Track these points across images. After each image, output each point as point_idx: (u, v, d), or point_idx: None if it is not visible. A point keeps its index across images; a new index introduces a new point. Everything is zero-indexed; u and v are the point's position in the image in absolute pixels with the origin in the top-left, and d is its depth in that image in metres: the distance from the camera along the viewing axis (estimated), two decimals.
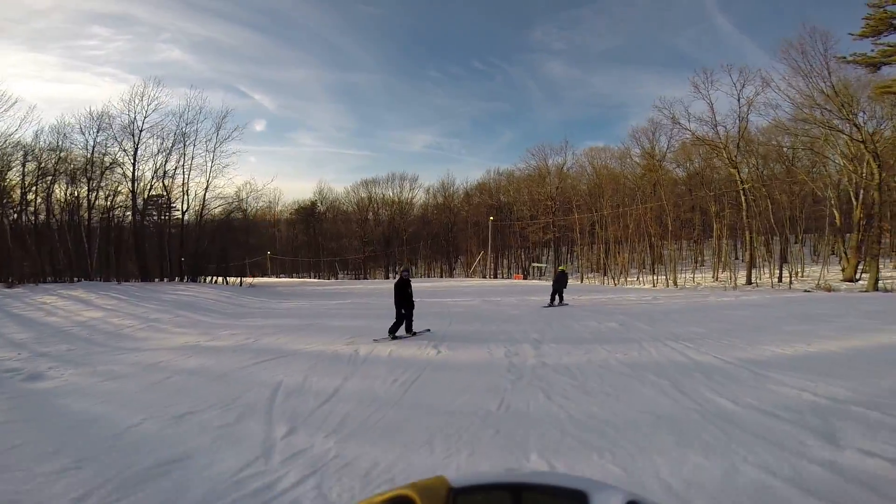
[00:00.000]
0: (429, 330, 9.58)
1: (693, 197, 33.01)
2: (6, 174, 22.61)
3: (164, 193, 27.93)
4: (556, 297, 14.43)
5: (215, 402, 4.96)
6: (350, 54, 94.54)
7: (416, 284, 31.57)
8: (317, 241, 57.21)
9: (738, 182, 26.67)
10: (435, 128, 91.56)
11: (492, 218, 42.03)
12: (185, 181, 27.99)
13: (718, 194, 30.79)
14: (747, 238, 26.55)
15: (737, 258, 31.92)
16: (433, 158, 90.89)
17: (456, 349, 7.65)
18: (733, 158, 26.75)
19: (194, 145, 28.22)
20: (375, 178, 57.14)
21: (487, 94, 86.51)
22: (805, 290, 18.82)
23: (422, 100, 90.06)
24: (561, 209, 42.17)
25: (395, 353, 7.63)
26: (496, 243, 45.75)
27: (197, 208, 29.02)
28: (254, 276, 54.32)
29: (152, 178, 27.07)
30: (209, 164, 28.59)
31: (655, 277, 29.21)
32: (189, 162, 27.99)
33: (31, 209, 23.65)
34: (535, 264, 42.64)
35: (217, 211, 30.47)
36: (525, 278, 40.80)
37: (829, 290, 19.28)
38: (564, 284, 14.71)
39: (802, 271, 25.75)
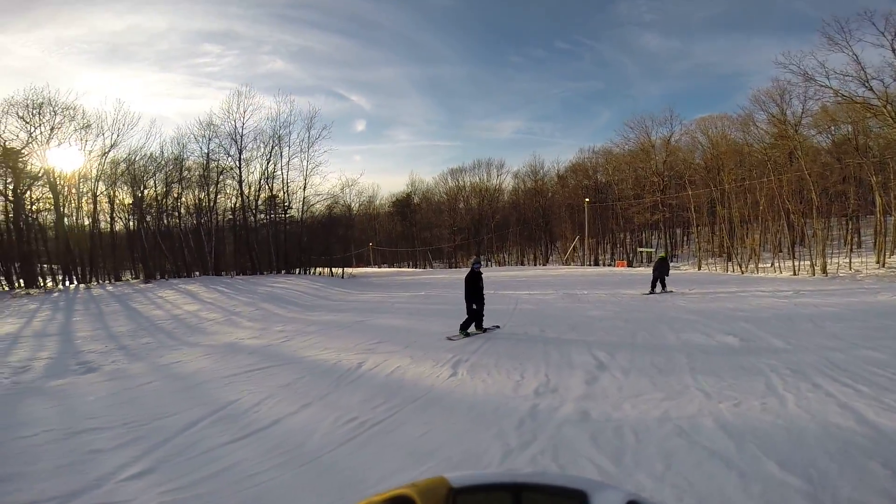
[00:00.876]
0: (498, 327, 8.72)
1: (844, 165, 25.69)
2: (146, 183, 25.85)
3: (269, 192, 29.62)
4: (658, 284, 13.47)
5: (133, 420, 4.48)
6: (431, 48, 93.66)
7: (499, 273, 29.60)
8: (412, 231, 57.62)
9: None
10: (523, 112, 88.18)
11: (587, 199, 37.80)
12: (285, 180, 29.57)
13: (883, 160, 23.45)
14: None
15: (883, 238, 24.07)
16: (524, 144, 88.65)
17: (478, 372, 5.58)
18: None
19: (289, 146, 29.63)
20: (462, 167, 55.60)
21: (576, 73, 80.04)
22: None
23: (506, 86, 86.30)
24: (671, 186, 36.32)
25: (401, 372, 5.84)
26: (594, 227, 41.27)
27: (298, 205, 30.61)
28: (358, 267, 57.20)
29: (260, 179, 28.99)
30: (304, 163, 29.74)
31: (797, 263, 23.16)
32: (286, 162, 29.46)
33: (164, 214, 26.75)
34: (642, 249, 37.49)
35: (318, 207, 31.97)
36: (630, 265, 36.19)
37: None
38: (666, 272, 13.69)
39: None
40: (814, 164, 25.07)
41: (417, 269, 48.40)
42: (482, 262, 10.98)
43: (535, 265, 45.15)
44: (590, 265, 39.13)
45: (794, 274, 22.45)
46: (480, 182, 52.88)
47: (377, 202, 63.58)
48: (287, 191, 29.72)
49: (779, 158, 27.77)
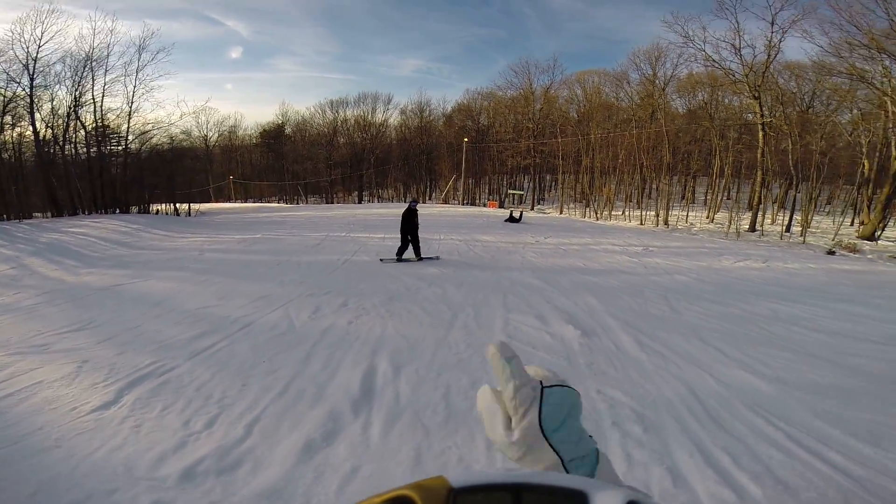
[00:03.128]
0: (438, 257, 9.38)
1: (696, 128, 27.02)
2: None
3: (76, 122, 22.64)
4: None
5: None
6: None
7: (371, 211, 26.76)
8: (282, 165, 50.73)
9: (759, 115, 20.77)
10: (425, 52, 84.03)
11: (466, 139, 35.77)
12: (96, 110, 23.05)
13: (729, 125, 24.92)
14: (758, 178, 21.19)
15: (728, 198, 26.61)
16: (422, 83, 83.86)
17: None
18: (755, 88, 20.66)
19: (106, 71, 23.01)
20: (344, 98, 49.58)
21: (484, 19, 78.42)
22: (829, 251, 13.85)
23: (413, 24, 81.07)
24: (545, 133, 35.87)
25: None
26: (472, 168, 39.89)
27: (125, 137, 24.30)
28: (218, 202, 49.16)
29: (69, 109, 22.33)
30: (131, 90, 23.69)
31: (644, 213, 24.15)
32: (103, 89, 23.00)
33: None
34: (512, 191, 37.07)
35: (158, 139, 26.37)
36: (501, 206, 35.73)
37: (853, 250, 14.45)
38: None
39: (809, 223, 20.62)
40: (671, 125, 25.71)
41: (285, 205, 42.88)
42: (418, 201, 10.62)
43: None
44: (466, 204, 38.05)
45: (641, 224, 23.36)
46: (364, 116, 47.69)
47: (241, 132, 55.03)
48: (103, 121, 23.32)
49: (642, 117, 28.23)
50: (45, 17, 21.07)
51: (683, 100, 30.20)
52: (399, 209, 28.43)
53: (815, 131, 21.32)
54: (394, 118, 48.21)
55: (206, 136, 53.67)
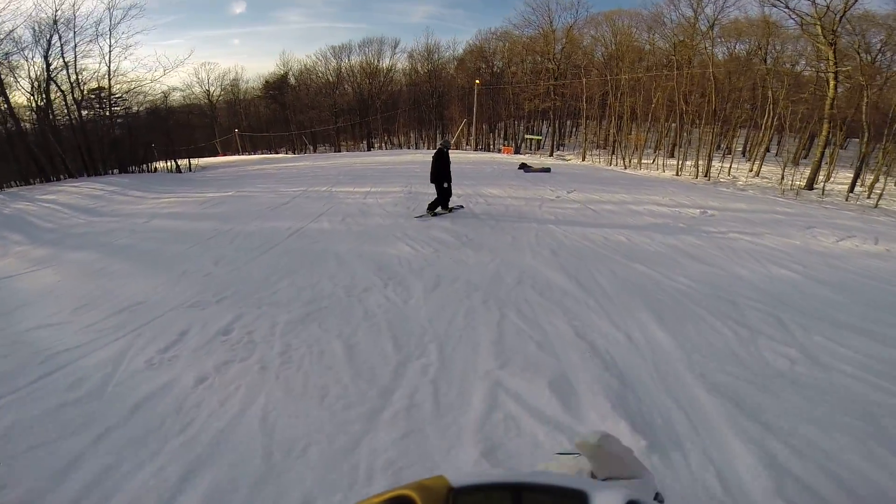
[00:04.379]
0: (462, 207, 8.09)
1: (748, 73, 22.39)
2: None
3: (46, 85, 20.05)
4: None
5: None
6: None
7: (369, 159, 23.90)
8: (286, 115, 47.19)
9: (833, 63, 16.37)
10: None
11: (478, 81, 31.51)
12: (71, 73, 20.68)
13: (796, 73, 20.39)
14: (824, 132, 17.23)
15: (768, 150, 22.34)
16: (436, 30, 75.11)
17: None
18: (832, 33, 16.16)
19: (73, 31, 20.32)
20: (348, 44, 44.80)
21: None
22: None
23: None
24: (567, 74, 31.17)
25: None
26: (486, 113, 35.80)
27: (110, 98, 22.09)
28: (224, 156, 46.49)
29: (41, 73, 19.95)
30: (106, 49, 21.48)
31: (681, 162, 20.54)
32: (73, 51, 20.45)
33: None
34: (529, 136, 33.26)
35: (149, 96, 24.98)
36: (517, 152, 32.16)
37: None
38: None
39: (885, 182, 16.79)
40: (720, 67, 21.32)
41: (290, 156, 39.98)
42: (450, 144, 7.92)
43: (422, 149, 39.37)
44: (479, 150, 34.53)
45: (677, 174, 19.91)
46: (369, 62, 43.14)
47: (243, 86, 51.75)
48: (79, 83, 20.99)
49: (679, 62, 23.58)
50: None
51: (725, 47, 25.09)
52: (406, 156, 26.05)
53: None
54: (401, 63, 43.92)
55: (209, 90, 50.59)
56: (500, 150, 32.91)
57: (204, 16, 77.79)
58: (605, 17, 29.84)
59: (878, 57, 19.79)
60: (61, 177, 19.31)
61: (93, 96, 21.94)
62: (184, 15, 75.50)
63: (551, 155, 30.28)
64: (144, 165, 22.80)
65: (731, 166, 20.68)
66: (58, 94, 20.34)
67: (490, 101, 35.63)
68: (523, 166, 16.23)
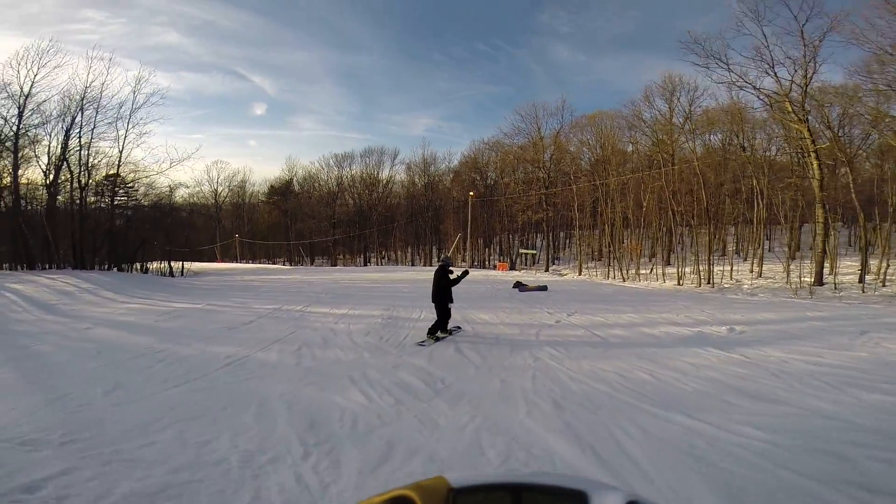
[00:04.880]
0: (459, 328, 7.33)
1: (730, 162, 23.00)
2: None
3: (56, 166, 19.98)
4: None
5: None
6: (353, 36, 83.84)
7: (354, 275, 23.13)
8: (286, 223, 48.31)
9: (809, 141, 16.63)
10: (437, 110, 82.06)
11: (472, 193, 32.52)
12: (81, 157, 20.35)
13: (775, 157, 21.00)
14: (819, 218, 16.78)
15: (759, 246, 21.81)
16: (433, 142, 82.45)
17: None
18: (802, 109, 16.74)
19: (96, 112, 20.42)
20: (350, 153, 47.83)
21: (491, 77, 76.18)
22: None
23: (424, 83, 79.67)
24: (558, 184, 32.37)
25: None
26: (480, 227, 36.31)
27: (120, 186, 22.03)
28: (223, 262, 46.65)
29: (53, 154, 19.89)
30: (122, 135, 20.89)
31: (680, 269, 19.74)
32: (92, 133, 20.41)
33: None
34: (524, 250, 33.12)
35: (156, 191, 24.10)
36: (512, 268, 31.70)
37: None
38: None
39: (887, 267, 15.94)
40: (705, 159, 21.82)
41: (286, 267, 39.76)
42: (451, 261, 7.27)
43: (423, 265, 39.18)
44: (475, 266, 34.12)
45: (679, 284, 18.94)
46: (369, 172, 45.54)
47: (249, 188, 53.67)
48: (88, 168, 20.59)
49: (662, 160, 24.53)
50: (43, 54, 19.05)
51: (702, 140, 26.34)
52: (398, 273, 25.34)
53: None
54: (400, 175, 45.78)
55: (217, 190, 52.41)
56: (495, 267, 32.57)
57: (228, 114, 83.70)
58: (588, 120, 31.61)
59: (842, 131, 20.18)
60: (47, 265, 18.37)
61: (106, 182, 21.54)
62: (212, 110, 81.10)
63: (547, 270, 29.80)
64: (139, 264, 22.05)
65: (731, 269, 19.82)
66: (66, 177, 19.90)
67: (485, 213, 36.40)
68: (518, 285, 15.19)
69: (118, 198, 22.57)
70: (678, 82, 24.05)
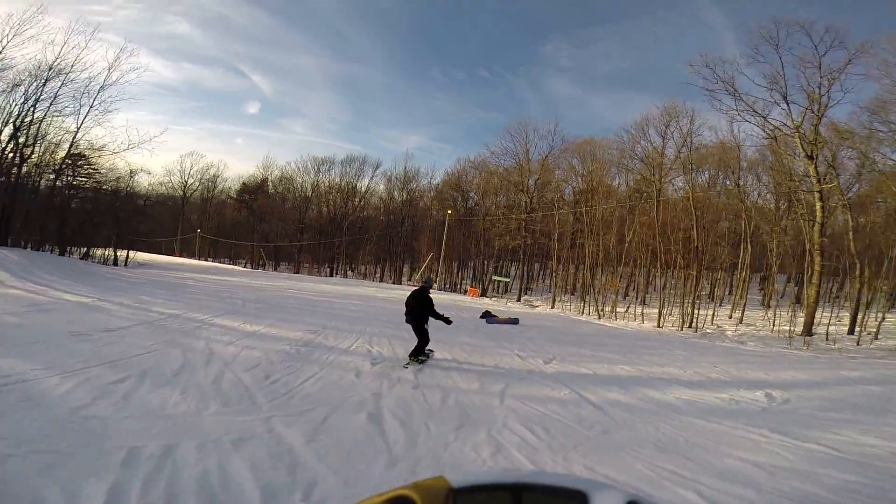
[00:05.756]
0: (432, 351, 6.37)
1: (725, 205, 21.78)
2: None
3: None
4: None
5: None
6: (358, 46, 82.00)
7: (309, 283, 20.10)
8: (251, 222, 44.99)
9: (814, 180, 15.42)
10: (429, 130, 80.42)
11: (449, 212, 30.54)
12: (32, 131, 18.09)
13: (781, 194, 19.75)
14: (816, 266, 15.45)
15: (744, 291, 20.58)
16: (420, 160, 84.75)
17: None
18: (812, 144, 15.34)
19: (62, 83, 18.37)
20: (330, 157, 45.16)
21: (487, 103, 75.15)
22: None
23: (420, 101, 78.72)
24: (540, 208, 30.72)
25: None
26: (456, 249, 34.18)
27: (52, 163, 19.18)
28: (178, 256, 43.16)
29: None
30: (84, 111, 18.92)
31: (666, 310, 18.09)
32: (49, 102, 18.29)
33: None
34: (497, 277, 31.10)
35: (112, 173, 21.85)
36: (483, 295, 29.61)
37: None
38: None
39: (881, 321, 14.64)
40: (699, 196, 20.39)
41: (240, 269, 36.38)
42: (432, 281, 6.28)
43: (387, 282, 36.56)
44: (445, 290, 31.83)
45: (659, 326, 17.22)
46: (348, 181, 42.89)
47: (220, 183, 49.99)
48: (35, 140, 18.22)
49: (655, 190, 23.19)
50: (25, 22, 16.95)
51: (693, 177, 25.14)
52: (359, 288, 22.75)
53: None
54: (379, 186, 43.08)
55: (186, 181, 48.84)
56: (465, 292, 30.39)
57: (221, 109, 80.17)
58: (576, 148, 29.96)
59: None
60: None
61: (56, 159, 19.10)
62: (206, 104, 77.86)
63: (519, 300, 27.85)
64: (84, 249, 20.15)
65: (713, 314, 18.25)
66: (12, 147, 17.49)
67: (461, 235, 34.34)
68: (486, 315, 12.97)
69: (67, 176, 20.19)
70: (676, 112, 22.84)
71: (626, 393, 4.98)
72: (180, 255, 44.65)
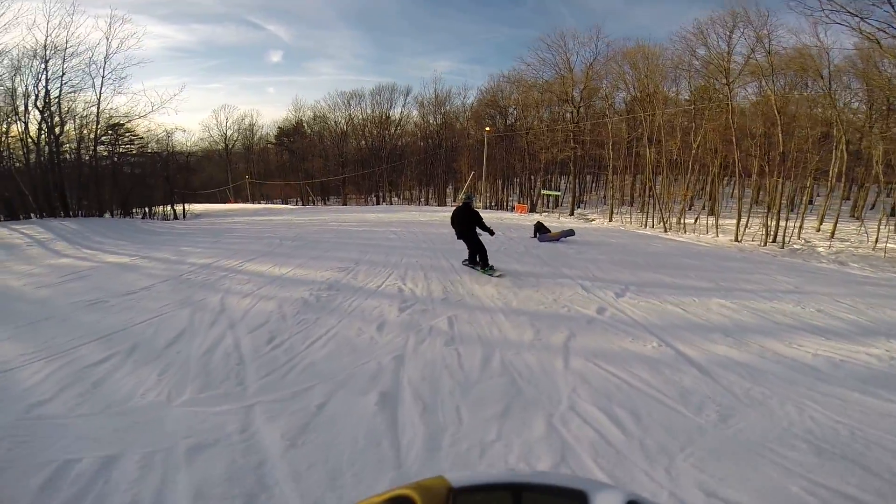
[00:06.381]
0: (502, 274, 6.21)
1: (809, 116, 17.78)
2: None
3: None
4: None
5: None
6: None
7: (353, 216, 19.46)
8: (293, 164, 44.95)
9: None
10: (456, 53, 76.25)
11: (487, 129, 27.98)
12: (51, 102, 17.75)
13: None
14: None
15: (838, 201, 17.26)
16: (452, 83, 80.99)
17: None
18: None
19: (63, 60, 17.85)
20: (359, 90, 43.08)
21: (515, 19, 69.09)
22: None
23: (443, 25, 74.23)
24: (588, 117, 27.34)
25: None
26: (498, 166, 32.03)
27: (89, 136, 19.19)
28: (233, 203, 44.84)
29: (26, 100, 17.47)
30: (98, 82, 18.57)
31: (749, 219, 15.82)
32: (59, 79, 17.91)
33: None
34: (546, 191, 28.82)
35: (144, 137, 22.49)
36: (533, 210, 27.90)
37: None
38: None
39: None
40: (782, 103, 16.72)
41: (290, 207, 37.00)
42: (474, 199, 6.59)
43: (436, 205, 35.62)
44: (491, 208, 30.43)
45: (737, 240, 15.05)
46: (381, 111, 41.13)
47: (257, 132, 50.47)
48: (62, 118, 18.17)
49: (713, 109, 19.37)
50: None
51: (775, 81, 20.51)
52: (400, 213, 22.02)
53: None
54: (412, 112, 41.12)
55: (226, 133, 49.85)
56: (512, 209, 28.71)
57: (244, 63, 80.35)
58: (624, 55, 25.50)
59: None
60: (29, 215, 16.59)
61: (88, 132, 19.34)
62: (226, 60, 78.49)
63: (572, 214, 25.87)
64: (146, 209, 21.45)
65: (800, 227, 15.71)
66: (45, 127, 17.75)
67: (503, 151, 31.94)
68: (539, 229, 11.48)
69: (109, 146, 20.78)
70: (745, 13, 18.05)
71: (737, 345, 3.69)
72: (235, 202, 46.27)
